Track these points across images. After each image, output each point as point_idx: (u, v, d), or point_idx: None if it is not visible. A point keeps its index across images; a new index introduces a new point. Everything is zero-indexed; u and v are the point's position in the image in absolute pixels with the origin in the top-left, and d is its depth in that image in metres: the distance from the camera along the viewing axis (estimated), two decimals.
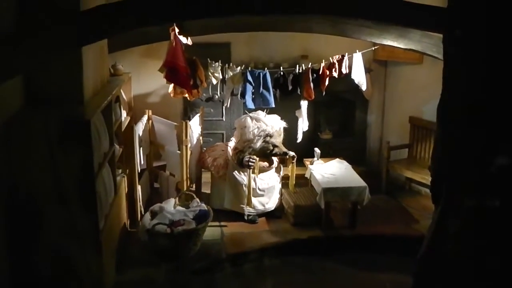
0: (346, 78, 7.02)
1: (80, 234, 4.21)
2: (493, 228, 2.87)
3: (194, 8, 4.20)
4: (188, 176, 6.52)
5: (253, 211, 6.60)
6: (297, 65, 7.00)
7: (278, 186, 6.87)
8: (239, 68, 6.84)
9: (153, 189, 7.16)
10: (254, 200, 6.56)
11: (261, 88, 6.81)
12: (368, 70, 7.50)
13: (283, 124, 6.86)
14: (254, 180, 6.56)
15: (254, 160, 6.43)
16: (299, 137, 7.31)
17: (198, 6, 4.18)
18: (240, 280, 5.73)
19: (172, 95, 6.40)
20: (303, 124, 7.25)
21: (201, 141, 7.40)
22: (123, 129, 5.86)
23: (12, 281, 4.04)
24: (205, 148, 7.42)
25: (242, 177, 6.57)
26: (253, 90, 6.83)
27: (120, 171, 5.74)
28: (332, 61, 6.85)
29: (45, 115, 4.03)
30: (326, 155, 7.49)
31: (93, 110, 4.32)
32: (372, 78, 7.93)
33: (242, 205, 6.59)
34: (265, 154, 6.70)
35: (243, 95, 6.84)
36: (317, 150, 7.31)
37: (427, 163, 7.00)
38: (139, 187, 6.26)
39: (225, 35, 7.15)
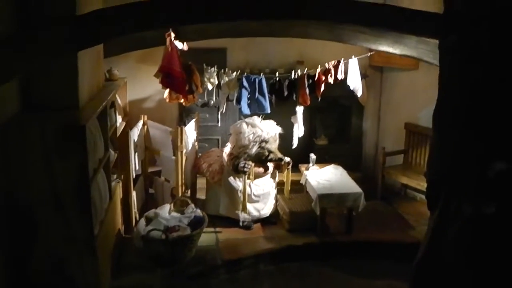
0: (342, 84, 7.02)
1: (75, 240, 4.19)
2: (490, 234, 2.86)
3: (191, 13, 4.21)
4: (183, 181, 6.50)
5: (248, 217, 6.58)
6: (293, 71, 7.01)
7: (274, 192, 6.85)
8: (234, 73, 6.84)
9: (148, 194, 7.14)
10: (249, 206, 6.55)
11: (257, 94, 6.80)
12: (363, 76, 7.51)
13: (278, 129, 6.86)
14: (250, 186, 6.55)
15: (249, 166, 6.42)
16: (295, 143, 7.30)
17: (195, 11, 4.19)
18: (235, 286, 5.71)
19: (167, 100, 6.38)
20: (298, 130, 7.25)
21: (197, 147, 7.39)
22: (118, 134, 5.84)
23: (7, 286, 4.02)
24: (200, 154, 7.41)
25: (237, 183, 6.56)
26: (248, 96, 6.83)
27: (115, 176, 5.71)
28: (327, 67, 6.85)
29: (41, 120, 4.01)
30: (322, 161, 7.48)
31: (88, 115, 4.30)
32: (368, 84, 7.95)
33: (237, 211, 6.57)
34: (261, 160, 6.69)
35: (238, 100, 6.84)
36: (312, 156, 7.30)
37: (423, 169, 7.01)
38: (134, 193, 6.23)
39: (221, 40, 7.14)
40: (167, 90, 6.23)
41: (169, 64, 5.74)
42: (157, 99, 7.78)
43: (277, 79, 6.94)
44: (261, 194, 6.66)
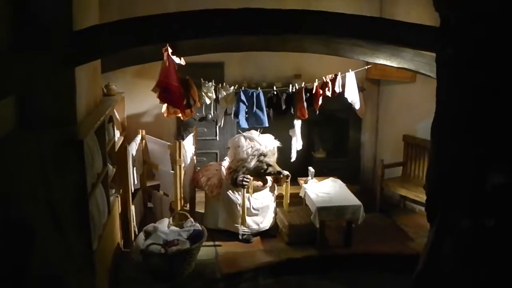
0: (340, 97, 7.03)
1: (73, 255, 4.17)
2: (489, 247, 2.86)
3: (189, 28, 4.23)
4: (182, 195, 6.49)
5: (247, 230, 6.57)
6: (290, 85, 7.02)
7: (272, 205, 6.85)
8: (232, 87, 6.85)
9: (147, 209, 7.12)
10: (249, 220, 6.54)
11: (255, 108, 6.81)
12: (361, 89, 7.53)
13: (276, 143, 6.88)
14: (248, 199, 6.54)
15: (248, 180, 6.42)
16: (293, 156, 7.31)
17: (192, 26, 4.21)
18: None
19: (165, 115, 6.39)
20: (296, 143, 7.25)
21: (195, 161, 7.39)
22: (116, 149, 5.85)
23: None
24: (198, 168, 7.41)
25: (236, 196, 6.56)
26: (246, 110, 6.83)
27: (113, 191, 5.71)
28: (325, 80, 6.87)
29: (37, 136, 4.00)
30: (320, 174, 7.48)
31: (86, 131, 4.31)
32: (365, 96, 7.96)
33: (236, 225, 6.56)
34: (259, 173, 6.69)
35: (236, 114, 6.84)
36: (311, 169, 7.31)
37: (421, 181, 7.02)
38: (132, 207, 6.23)
39: (218, 55, 7.17)
40: (165, 105, 6.25)
41: (166, 79, 5.75)
42: (155, 114, 7.79)
43: (275, 93, 6.96)
44: (260, 207, 6.65)
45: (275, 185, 6.97)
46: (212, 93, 6.76)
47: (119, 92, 6.39)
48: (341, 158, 8.63)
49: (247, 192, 6.47)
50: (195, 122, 7.76)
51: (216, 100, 6.88)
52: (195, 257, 5.78)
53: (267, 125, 6.87)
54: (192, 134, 7.25)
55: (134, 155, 6.31)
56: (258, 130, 6.92)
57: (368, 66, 7.21)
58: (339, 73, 6.89)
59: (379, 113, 8.59)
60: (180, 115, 6.36)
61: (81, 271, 4.24)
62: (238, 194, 6.54)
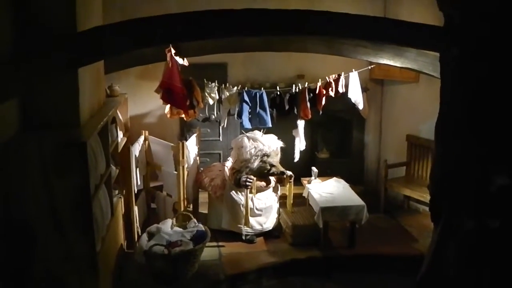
0: (343, 97, 7.03)
1: (76, 257, 4.16)
2: (493, 249, 2.84)
3: (192, 29, 4.21)
4: (185, 196, 6.49)
5: (251, 231, 6.57)
6: (294, 85, 7.01)
7: (276, 205, 6.83)
8: (235, 88, 6.85)
9: (150, 209, 7.13)
10: (252, 220, 6.53)
11: (258, 108, 6.80)
12: (364, 89, 7.53)
13: (280, 143, 6.87)
14: (252, 200, 6.54)
15: (251, 180, 6.42)
16: (296, 157, 7.30)
17: (195, 27, 4.20)
18: None
19: (168, 116, 6.38)
20: (300, 144, 7.25)
21: (198, 162, 7.38)
22: (119, 150, 5.85)
23: None
24: (202, 169, 7.40)
25: (239, 197, 6.55)
26: (249, 110, 6.83)
27: (116, 192, 5.71)
28: (328, 81, 6.86)
29: (40, 138, 3.99)
30: (324, 174, 7.47)
31: (89, 132, 4.30)
32: (369, 97, 7.95)
33: (239, 225, 6.55)
34: (263, 174, 6.68)
35: (239, 115, 6.83)
36: (314, 169, 7.30)
37: (425, 181, 7.00)
38: (136, 208, 6.23)
39: (221, 55, 7.15)
40: (168, 106, 6.24)
41: (169, 80, 5.74)
42: (158, 115, 7.79)
43: (278, 93, 6.95)
44: (264, 208, 6.64)
45: (279, 186, 6.96)
46: (215, 93, 6.76)
47: (122, 93, 6.39)
48: (344, 158, 8.62)
49: (251, 192, 6.47)
50: (198, 122, 7.77)
51: (219, 101, 6.88)
52: (198, 258, 5.77)
53: (270, 125, 6.86)
54: (195, 135, 7.24)
55: (137, 156, 6.31)
56: (262, 130, 6.92)
57: (372, 66, 7.20)
58: (342, 73, 6.88)
59: (383, 114, 8.57)
60: (183, 116, 6.35)
61: (83, 273, 4.23)
62: (242, 194, 6.53)
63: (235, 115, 6.94)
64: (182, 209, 6.41)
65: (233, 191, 6.59)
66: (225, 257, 6.22)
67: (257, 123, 6.85)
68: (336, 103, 7.25)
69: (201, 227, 6.12)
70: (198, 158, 7.31)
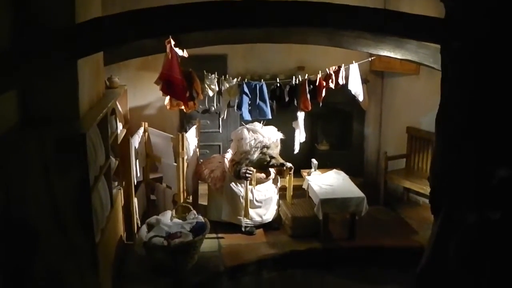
0: (343, 89, 7.02)
1: (75, 250, 4.16)
2: (493, 241, 2.84)
3: (192, 21, 4.19)
4: (185, 188, 6.49)
5: (250, 222, 6.57)
6: (294, 77, 7.00)
7: (276, 197, 6.83)
8: (235, 80, 6.84)
9: (150, 201, 7.12)
10: (252, 212, 6.53)
11: (258, 100, 6.79)
12: (364, 81, 7.51)
13: (280, 135, 6.87)
14: (252, 191, 6.54)
15: (251, 172, 6.42)
16: (296, 149, 7.30)
17: (195, 18, 4.18)
18: None
19: (168, 107, 6.38)
20: (300, 136, 7.24)
21: (198, 153, 7.37)
22: (119, 142, 5.84)
23: None
24: (201, 160, 7.40)
25: (239, 188, 6.55)
26: (249, 102, 6.82)
27: (116, 183, 5.71)
28: (328, 72, 6.85)
29: (40, 131, 3.98)
30: (324, 166, 7.46)
31: (89, 124, 4.29)
32: (369, 89, 7.93)
33: (239, 217, 6.55)
34: (262, 165, 6.68)
35: (239, 107, 6.83)
36: (314, 161, 7.30)
37: (425, 173, 7.00)
38: (135, 200, 6.22)
39: (221, 47, 7.13)
40: (168, 97, 6.23)
41: (169, 71, 5.73)
42: (157, 106, 7.77)
43: (278, 85, 6.94)
44: (263, 199, 6.64)
45: (278, 177, 6.96)
46: (215, 85, 6.75)
47: (122, 85, 6.38)
48: (344, 150, 8.61)
49: (250, 184, 6.47)
50: (198, 114, 7.76)
51: (219, 93, 6.87)
52: (198, 250, 5.78)
53: (270, 117, 6.86)
54: (195, 127, 7.23)
55: (136, 147, 6.30)
56: (261, 122, 6.91)
57: (372, 58, 7.18)
58: (343, 65, 6.86)
59: (383, 106, 8.55)
60: (183, 107, 6.34)
61: (84, 265, 4.23)
62: (241, 186, 6.53)
63: (235, 107, 6.94)
64: (182, 200, 6.41)
65: (233, 183, 6.59)
66: (225, 248, 6.22)
67: (257, 115, 6.85)
68: (336, 95, 7.23)
69: (201, 218, 6.12)
70: (197, 150, 7.30)
